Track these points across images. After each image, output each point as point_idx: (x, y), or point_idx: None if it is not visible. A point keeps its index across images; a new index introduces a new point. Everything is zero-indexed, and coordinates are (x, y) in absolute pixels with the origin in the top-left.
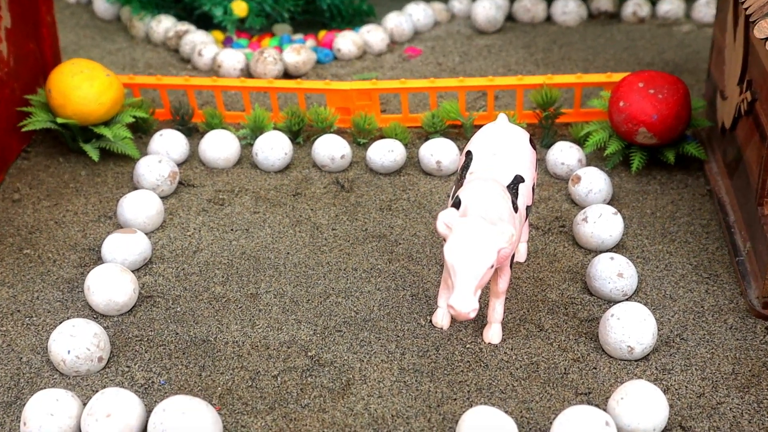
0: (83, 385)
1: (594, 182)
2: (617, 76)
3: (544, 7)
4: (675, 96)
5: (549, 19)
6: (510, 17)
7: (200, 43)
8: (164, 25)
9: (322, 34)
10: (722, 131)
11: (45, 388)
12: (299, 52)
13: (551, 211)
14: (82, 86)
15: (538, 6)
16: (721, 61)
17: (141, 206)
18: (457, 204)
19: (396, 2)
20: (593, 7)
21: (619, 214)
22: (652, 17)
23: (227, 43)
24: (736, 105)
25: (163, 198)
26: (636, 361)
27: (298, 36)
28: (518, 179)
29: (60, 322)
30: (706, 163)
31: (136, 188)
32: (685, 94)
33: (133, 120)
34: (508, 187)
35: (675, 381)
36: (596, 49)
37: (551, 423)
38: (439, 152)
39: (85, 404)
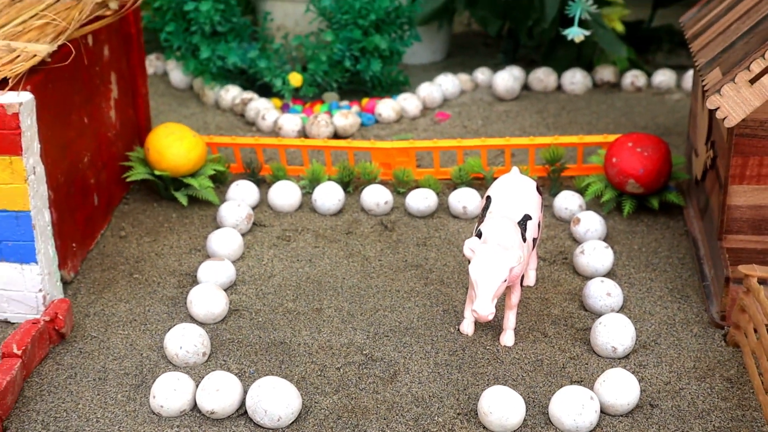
0: (192, 373)
1: (591, 223)
2: (612, 137)
3: (555, 78)
4: (658, 153)
5: (559, 88)
6: (526, 86)
7: (263, 108)
8: (231, 93)
9: (365, 101)
10: (696, 182)
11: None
12: (347, 117)
13: (556, 247)
14: (174, 145)
15: (550, 77)
16: (696, 125)
17: (225, 241)
18: (479, 235)
19: (428, 73)
20: (597, 78)
21: (610, 248)
22: (648, 87)
23: (284, 108)
24: (704, 161)
25: (242, 235)
26: (619, 358)
27: (345, 102)
28: (527, 217)
29: (168, 329)
30: (684, 209)
31: (218, 227)
32: (666, 152)
33: (214, 172)
34: (518, 223)
35: (648, 373)
36: (599, 114)
37: (550, 400)
38: (465, 199)
39: (197, 384)
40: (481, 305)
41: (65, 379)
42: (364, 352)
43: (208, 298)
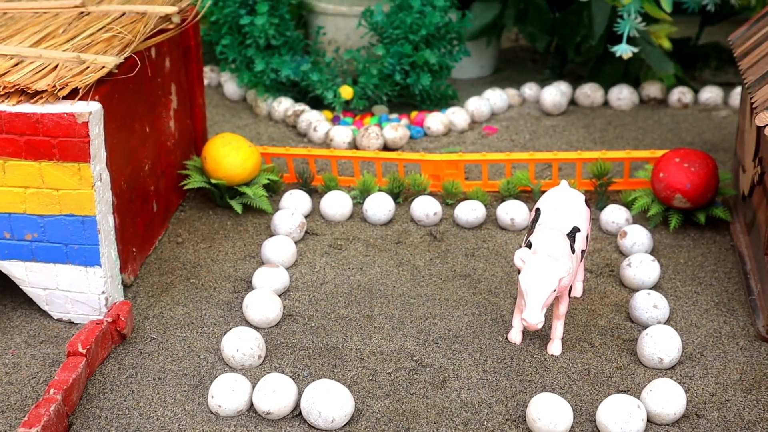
0: (248, 375)
1: (638, 237)
2: (659, 153)
3: (602, 93)
4: (705, 169)
5: (606, 103)
6: (573, 102)
7: (315, 120)
8: (284, 105)
9: (414, 114)
10: (743, 198)
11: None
12: (396, 129)
13: (603, 259)
14: (231, 154)
15: (597, 93)
16: (743, 141)
17: (279, 248)
18: (529, 245)
19: (476, 88)
20: (644, 94)
21: (656, 261)
22: (695, 103)
23: (335, 121)
24: (751, 177)
25: (295, 243)
26: (665, 369)
27: (394, 115)
28: (575, 229)
29: (225, 332)
30: (731, 224)
31: (272, 235)
32: (713, 168)
33: (267, 182)
34: (567, 234)
35: (694, 384)
36: (646, 130)
37: (597, 408)
38: (513, 211)
39: (254, 385)
40: (530, 314)
41: (126, 378)
42: (415, 358)
43: (263, 303)
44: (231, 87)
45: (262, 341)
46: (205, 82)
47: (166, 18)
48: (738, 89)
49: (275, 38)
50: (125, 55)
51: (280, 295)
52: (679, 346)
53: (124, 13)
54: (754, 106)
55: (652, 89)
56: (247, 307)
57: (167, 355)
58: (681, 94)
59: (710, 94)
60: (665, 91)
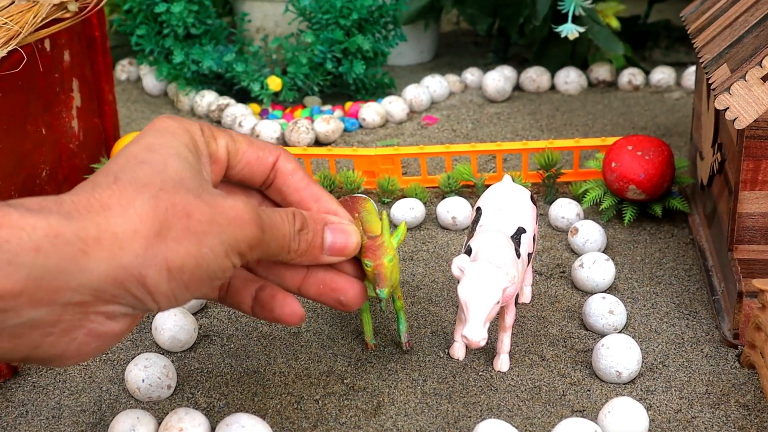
0: (155, 408)
1: (590, 233)
2: (610, 140)
3: (548, 77)
4: (660, 157)
5: (553, 88)
6: (517, 87)
7: (240, 115)
8: (207, 99)
9: (349, 105)
10: (701, 187)
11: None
12: (329, 122)
13: (553, 259)
14: None
15: (543, 77)
16: (700, 125)
17: None
18: (468, 251)
19: (414, 75)
20: (592, 76)
21: (611, 260)
22: (646, 85)
23: (263, 114)
24: (710, 164)
25: None
26: (624, 384)
27: (327, 107)
28: (520, 230)
29: (132, 358)
30: (689, 215)
31: None
32: (669, 155)
33: None
34: (511, 237)
35: (657, 400)
36: (595, 115)
37: None
38: (455, 209)
39: (159, 422)
40: (471, 330)
41: (15, 417)
42: (345, 381)
43: (174, 323)
44: (150, 81)
45: (173, 368)
46: (123, 76)
47: (62, 6)
48: (691, 69)
49: (195, 27)
50: (9, 48)
51: (195, 313)
52: (639, 357)
53: (13, 2)
54: (712, 87)
55: (601, 71)
56: (156, 328)
57: (64, 388)
58: (631, 76)
59: (662, 75)
60: (615, 73)
